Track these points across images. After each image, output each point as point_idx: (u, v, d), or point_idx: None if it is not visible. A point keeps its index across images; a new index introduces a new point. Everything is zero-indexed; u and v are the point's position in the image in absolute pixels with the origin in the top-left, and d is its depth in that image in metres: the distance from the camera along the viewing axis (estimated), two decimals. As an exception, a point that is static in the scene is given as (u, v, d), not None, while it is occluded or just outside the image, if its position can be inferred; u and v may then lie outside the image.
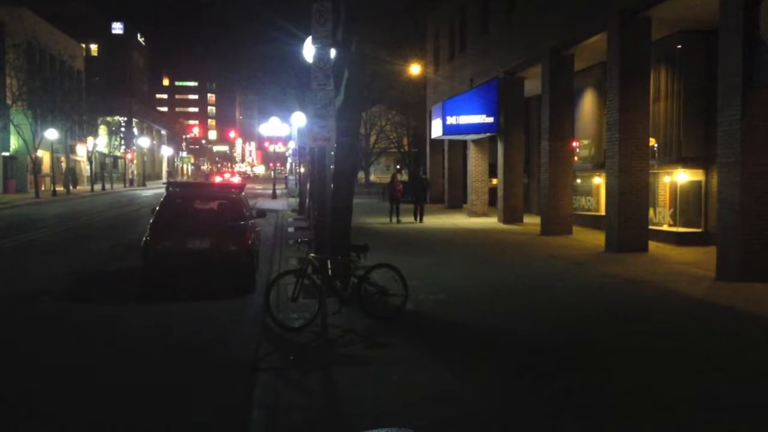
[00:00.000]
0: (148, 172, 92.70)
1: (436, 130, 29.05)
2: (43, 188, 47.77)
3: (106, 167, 71.79)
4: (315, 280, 9.27)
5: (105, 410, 6.55)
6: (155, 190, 57.54)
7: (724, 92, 12.47)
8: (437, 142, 35.26)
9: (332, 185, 11.19)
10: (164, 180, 76.64)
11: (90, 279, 13.89)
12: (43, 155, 52.96)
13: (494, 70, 26.03)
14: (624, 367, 7.41)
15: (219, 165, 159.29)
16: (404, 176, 69.69)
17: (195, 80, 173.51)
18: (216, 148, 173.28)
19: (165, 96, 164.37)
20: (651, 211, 17.96)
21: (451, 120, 26.50)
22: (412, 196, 26.94)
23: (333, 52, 9.61)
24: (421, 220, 25.72)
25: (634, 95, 16.44)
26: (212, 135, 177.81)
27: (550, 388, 6.65)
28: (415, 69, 42.17)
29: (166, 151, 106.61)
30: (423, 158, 44.21)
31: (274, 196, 45.38)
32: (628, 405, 6.22)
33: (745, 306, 10.35)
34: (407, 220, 25.90)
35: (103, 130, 68.06)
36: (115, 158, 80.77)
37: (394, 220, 25.78)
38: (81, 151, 66.28)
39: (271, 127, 39.47)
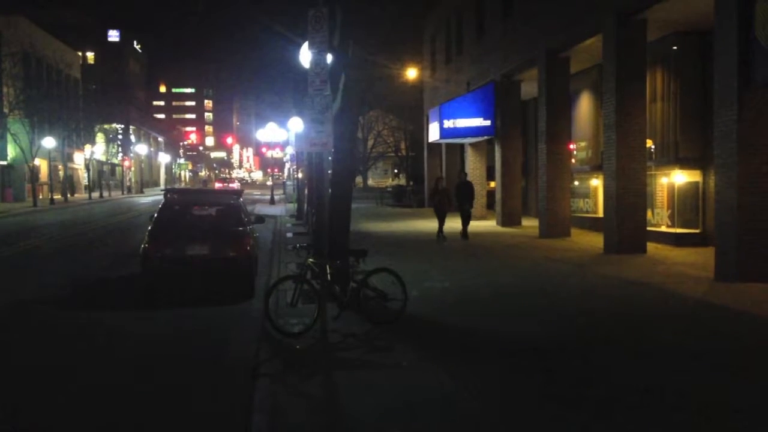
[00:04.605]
0: (146, 179, 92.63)
1: (434, 133, 29.07)
2: (40, 196, 47.70)
3: (103, 175, 71.81)
4: (314, 285, 9.28)
5: (110, 415, 6.56)
6: (153, 197, 57.51)
7: (720, 93, 12.49)
8: (435, 146, 35.30)
9: (330, 190, 11.19)
10: (163, 187, 76.58)
11: (90, 286, 13.87)
12: (41, 163, 52.94)
13: (491, 73, 26.06)
14: (625, 368, 7.41)
15: (217, 171, 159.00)
16: (401, 180, 69.60)
17: (192, 87, 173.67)
18: (213, 155, 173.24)
19: (162, 103, 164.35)
20: (649, 213, 17.97)
21: (448, 123, 26.51)
22: (460, 206, 20.78)
23: (330, 57, 9.62)
24: (466, 235, 20.53)
25: (631, 97, 16.47)
26: (209, 141, 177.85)
27: (551, 391, 6.66)
28: (411, 73, 42.26)
29: (164, 158, 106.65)
30: (421, 162, 44.18)
31: (272, 201, 45.37)
32: (632, 406, 6.22)
33: (744, 307, 10.36)
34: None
35: (100, 137, 68.08)
36: (113, 166, 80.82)
37: (441, 236, 20.14)
38: (78, 158, 66.29)
39: (269, 132, 39.49)
